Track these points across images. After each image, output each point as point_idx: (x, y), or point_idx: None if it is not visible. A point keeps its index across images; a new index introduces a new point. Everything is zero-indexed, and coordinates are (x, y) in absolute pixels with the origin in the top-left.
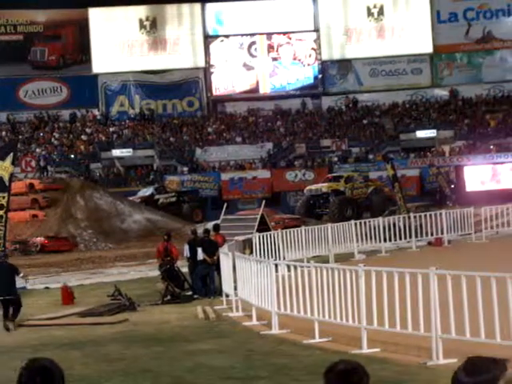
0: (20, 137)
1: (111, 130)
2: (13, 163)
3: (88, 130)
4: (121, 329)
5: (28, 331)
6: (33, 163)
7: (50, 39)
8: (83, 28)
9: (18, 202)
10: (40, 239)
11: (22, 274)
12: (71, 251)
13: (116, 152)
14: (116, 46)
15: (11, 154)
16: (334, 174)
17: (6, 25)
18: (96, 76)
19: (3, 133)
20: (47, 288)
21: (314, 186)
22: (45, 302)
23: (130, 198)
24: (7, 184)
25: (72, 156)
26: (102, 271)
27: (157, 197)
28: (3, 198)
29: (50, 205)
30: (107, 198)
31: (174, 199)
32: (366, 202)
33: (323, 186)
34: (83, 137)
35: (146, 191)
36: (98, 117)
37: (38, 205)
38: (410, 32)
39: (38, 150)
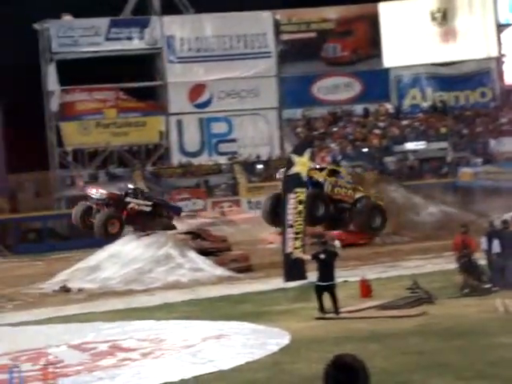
0: (315, 132)
1: (404, 123)
2: (311, 159)
3: (381, 124)
4: (419, 322)
5: (327, 324)
6: (327, 158)
7: (342, 35)
8: (374, 23)
9: None
10: (337, 233)
11: (338, 245)
12: (367, 245)
13: (409, 145)
14: (407, 39)
15: (309, 150)
16: (324, 165)
17: (300, 23)
18: (387, 70)
19: (299, 129)
20: (346, 281)
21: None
22: (343, 294)
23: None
24: (305, 180)
25: (366, 150)
26: (399, 264)
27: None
28: (302, 193)
29: None
30: (402, 191)
31: (148, 208)
32: (349, 206)
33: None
34: (376, 131)
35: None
36: (391, 110)
37: None
38: None
39: (332, 145)
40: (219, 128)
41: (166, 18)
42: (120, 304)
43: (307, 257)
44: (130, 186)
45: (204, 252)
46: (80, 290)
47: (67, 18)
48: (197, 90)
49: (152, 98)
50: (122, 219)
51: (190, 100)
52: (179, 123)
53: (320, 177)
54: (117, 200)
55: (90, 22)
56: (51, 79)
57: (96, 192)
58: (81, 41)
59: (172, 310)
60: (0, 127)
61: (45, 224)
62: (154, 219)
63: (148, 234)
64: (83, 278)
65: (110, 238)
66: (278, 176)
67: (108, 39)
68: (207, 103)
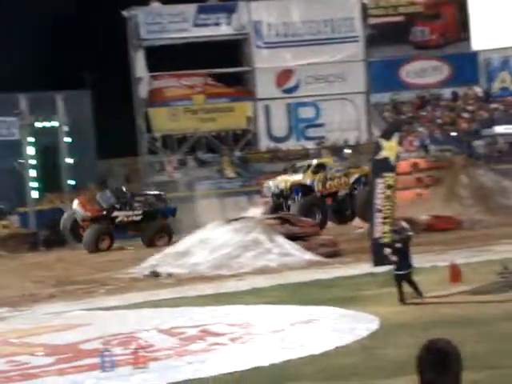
0: (402, 117)
1: (493, 106)
2: (399, 143)
3: (470, 108)
4: (509, 307)
5: (416, 309)
6: (416, 142)
7: (430, 18)
8: (462, 6)
9: (402, 182)
10: (425, 218)
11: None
12: (455, 229)
13: (499, 128)
14: (496, 21)
15: (397, 134)
16: (303, 163)
17: (387, 7)
18: (476, 53)
19: (386, 113)
20: (434, 266)
21: (272, 181)
22: (433, 279)
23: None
24: (393, 164)
25: (454, 134)
26: (489, 249)
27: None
28: (391, 177)
29: (434, 183)
30: (491, 174)
31: (138, 218)
32: (347, 192)
33: (282, 181)
34: (465, 114)
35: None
36: (480, 94)
37: (422, 183)
38: None
39: (420, 129)
40: (307, 113)
41: (253, 4)
42: (209, 289)
43: (388, 250)
44: (124, 188)
45: (292, 237)
46: (169, 275)
47: (155, 4)
48: (284, 75)
49: (240, 84)
50: (112, 234)
51: (277, 85)
52: (267, 108)
53: (307, 179)
54: (102, 218)
55: (177, 9)
56: (139, 66)
57: (80, 209)
58: (169, 27)
59: (260, 295)
60: (91, 113)
61: None
62: (148, 224)
63: (236, 220)
64: (172, 263)
65: (101, 252)
66: (264, 192)
67: (196, 25)
68: (295, 88)
